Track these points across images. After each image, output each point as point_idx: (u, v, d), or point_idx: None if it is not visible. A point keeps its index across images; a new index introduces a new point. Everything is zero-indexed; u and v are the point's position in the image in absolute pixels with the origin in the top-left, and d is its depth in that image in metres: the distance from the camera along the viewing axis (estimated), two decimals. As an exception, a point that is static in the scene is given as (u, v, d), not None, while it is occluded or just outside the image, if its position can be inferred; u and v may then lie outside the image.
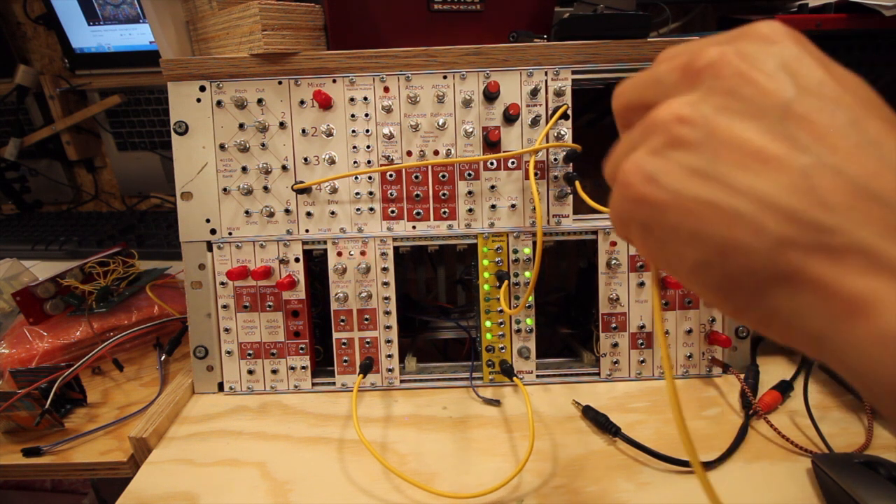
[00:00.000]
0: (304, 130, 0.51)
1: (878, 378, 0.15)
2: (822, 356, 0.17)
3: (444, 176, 0.52)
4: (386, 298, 0.53)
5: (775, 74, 0.17)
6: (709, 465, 0.42)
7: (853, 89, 0.17)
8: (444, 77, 0.51)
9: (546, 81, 0.51)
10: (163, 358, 0.58)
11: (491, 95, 0.51)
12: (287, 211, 0.52)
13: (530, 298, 0.52)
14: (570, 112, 0.51)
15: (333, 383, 0.54)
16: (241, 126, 0.52)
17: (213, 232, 0.52)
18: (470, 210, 0.52)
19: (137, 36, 0.99)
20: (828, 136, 0.16)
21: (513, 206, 0.52)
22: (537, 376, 0.53)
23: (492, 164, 0.52)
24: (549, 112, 0.52)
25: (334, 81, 0.51)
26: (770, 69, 0.17)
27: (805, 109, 0.17)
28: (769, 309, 0.17)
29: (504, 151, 0.52)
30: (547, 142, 0.51)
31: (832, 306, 0.16)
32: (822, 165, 0.16)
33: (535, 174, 0.51)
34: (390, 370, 0.53)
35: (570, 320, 0.62)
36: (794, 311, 0.17)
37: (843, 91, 0.17)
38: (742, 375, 0.51)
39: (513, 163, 0.52)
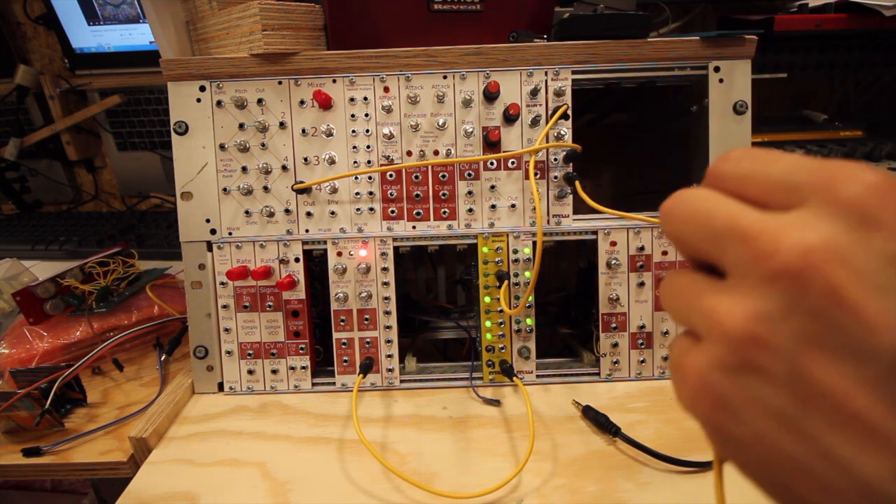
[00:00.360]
0: (304, 130, 0.51)
1: None
2: None
3: (444, 176, 0.52)
4: (386, 298, 0.53)
5: (883, 296, 0.12)
6: (709, 466, 0.42)
7: None
8: (444, 77, 0.51)
9: (546, 81, 0.51)
10: (163, 358, 0.57)
11: (491, 95, 0.51)
12: (287, 211, 0.52)
13: (530, 298, 0.52)
14: (570, 112, 0.51)
15: (333, 383, 0.54)
16: (241, 126, 0.52)
17: (213, 232, 0.52)
18: (470, 210, 0.52)
19: (137, 36, 0.99)
20: None
21: (513, 206, 0.52)
22: (537, 376, 0.53)
23: (492, 164, 0.52)
24: (549, 112, 0.52)
25: (334, 81, 0.51)
26: (875, 285, 0.12)
27: None
28: None
29: (504, 151, 0.52)
30: (547, 142, 0.51)
31: None
32: None
33: (535, 174, 0.51)
34: (390, 370, 0.53)
35: (570, 320, 0.62)
36: None
37: None
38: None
39: (513, 163, 0.52)
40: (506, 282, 0.50)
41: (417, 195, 0.52)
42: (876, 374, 0.12)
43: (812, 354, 0.13)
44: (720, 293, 0.15)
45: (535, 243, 0.52)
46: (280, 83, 0.51)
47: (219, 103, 0.51)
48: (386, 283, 0.53)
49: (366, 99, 0.51)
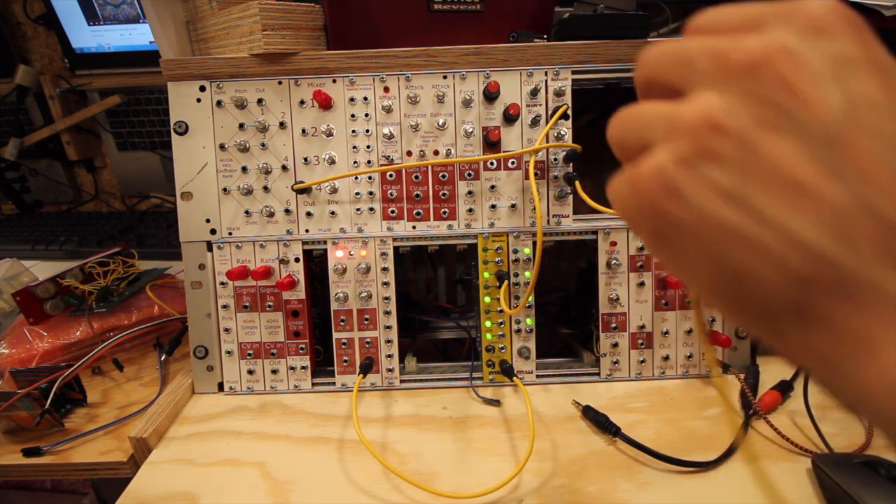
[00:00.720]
0: (304, 130, 0.51)
1: (879, 412, 0.15)
2: (825, 384, 0.17)
3: (444, 176, 0.52)
4: (386, 298, 0.53)
5: (825, 85, 0.15)
6: (709, 465, 0.42)
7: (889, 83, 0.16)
8: (444, 77, 0.51)
9: (546, 81, 0.51)
10: (163, 358, 0.58)
11: (491, 95, 0.51)
12: (287, 211, 0.52)
13: (530, 298, 0.52)
14: (570, 112, 0.51)
15: (333, 383, 0.54)
16: (241, 126, 0.52)
17: (213, 232, 0.52)
18: (470, 210, 0.52)
19: (137, 36, 0.99)
20: (872, 171, 0.15)
21: (513, 206, 0.52)
22: (537, 376, 0.53)
23: (492, 164, 0.52)
24: (549, 112, 0.52)
25: (334, 81, 0.51)
26: (819, 76, 0.15)
27: (853, 136, 0.15)
28: (779, 333, 0.17)
29: (504, 151, 0.52)
30: (547, 142, 0.51)
31: (843, 344, 0.16)
32: (861, 206, 0.15)
33: (536, 174, 0.51)
34: (390, 370, 0.53)
35: (570, 320, 0.62)
36: (805, 342, 0.17)
37: (888, 87, 0.15)
38: (742, 375, 0.51)
39: (513, 163, 0.52)
40: (506, 282, 0.50)
41: (417, 195, 0.52)
42: (815, 147, 0.15)
43: (763, 134, 0.15)
44: (680, 103, 0.17)
45: (535, 243, 0.52)
46: (280, 83, 0.51)
47: (219, 103, 0.51)
48: (386, 283, 0.53)
49: (366, 99, 0.51)
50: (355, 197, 0.52)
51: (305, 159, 0.52)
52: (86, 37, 1.00)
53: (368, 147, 0.52)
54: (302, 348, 0.53)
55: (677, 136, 0.17)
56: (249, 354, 0.53)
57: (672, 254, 0.18)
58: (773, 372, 0.53)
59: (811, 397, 0.48)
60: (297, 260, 0.53)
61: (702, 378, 0.53)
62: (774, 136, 0.15)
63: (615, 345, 0.53)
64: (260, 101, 0.51)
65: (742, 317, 0.18)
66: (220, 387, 0.54)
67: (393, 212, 0.52)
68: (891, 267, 0.15)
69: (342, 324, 0.53)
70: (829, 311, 0.16)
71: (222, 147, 0.52)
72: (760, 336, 0.18)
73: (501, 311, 0.52)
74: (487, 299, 0.53)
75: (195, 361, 0.53)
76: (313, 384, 0.54)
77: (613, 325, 0.53)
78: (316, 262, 0.55)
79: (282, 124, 0.52)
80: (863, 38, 0.16)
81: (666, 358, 0.53)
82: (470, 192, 0.52)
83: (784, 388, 0.50)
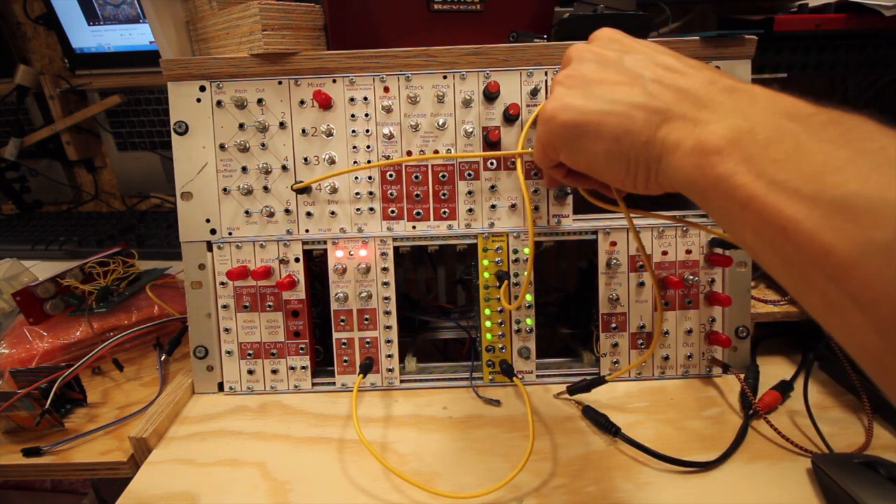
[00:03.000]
0: (304, 130, 0.51)
1: (681, 177, 0.28)
2: (664, 178, 0.30)
3: (444, 176, 0.52)
4: (386, 298, 0.53)
5: (612, 48, 0.33)
6: (709, 465, 0.42)
7: (648, 46, 0.33)
8: (444, 77, 0.51)
9: (546, 81, 0.51)
10: (163, 358, 0.58)
11: (491, 95, 0.51)
12: (287, 211, 0.52)
13: (530, 298, 0.52)
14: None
15: (333, 383, 0.54)
16: (241, 126, 0.52)
17: (213, 232, 0.52)
18: (470, 210, 0.52)
19: (137, 36, 0.99)
20: (645, 67, 0.31)
21: (513, 206, 0.52)
22: (537, 376, 0.53)
23: (492, 163, 0.52)
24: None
25: (334, 81, 0.51)
26: (608, 46, 0.34)
27: (629, 60, 0.32)
28: (651, 164, 0.30)
29: (503, 151, 0.52)
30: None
31: (668, 146, 0.28)
32: (650, 81, 0.30)
33: (534, 174, 0.51)
34: (390, 370, 0.53)
35: (570, 320, 0.62)
36: (660, 157, 0.29)
37: (643, 47, 0.33)
38: (742, 375, 0.51)
39: (513, 163, 0.52)
40: (506, 282, 0.50)
41: (417, 195, 0.52)
42: (616, 68, 0.32)
43: (594, 70, 0.33)
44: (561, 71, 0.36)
45: (536, 243, 0.52)
46: (280, 83, 0.51)
47: (219, 103, 0.51)
48: (386, 283, 0.53)
49: (366, 99, 0.51)
50: (355, 197, 0.52)
51: (305, 159, 0.52)
52: (86, 37, 1.00)
53: (368, 147, 0.52)
54: (302, 348, 0.53)
55: (555, 88, 0.34)
56: (249, 354, 0.53)
57: (578, 148, 0.32)
58: (773, 372, 0.53)
59: (811, 397, 0.48)
60: (297, 260, 0.53)
61: (702, 378, 0.53)
62: (600, 70, 0.32)
63: (615, 345, 0.53)
64: (260, 101, 0.51)
65: (631, 168, 0.31)
66: (220, 387, 0.54)
67: (393, 212, 0.52)
68: (682, 103, 0.28)
69: (342, 324, 0.53)
70: (663, 133, 0.28)
71: (222, 147, 0.52)
72: (643, 180, 0.31)
73: (502, 310, 0.52)
74: (487, 299, 0.53)
75: (195, 361, 0.53)
76: (313, 384, 0.54)
77: (613, 325, 0.53)
78: (316, 262, 0.55)
79: (282, 124, 0.52)
80: (621, 34, 0.35)
81: (666, 358, 0.53)
82: (470, 192, 0.52)
83: (784, 389, 0.50)
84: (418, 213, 0.52)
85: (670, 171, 0.28)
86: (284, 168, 0.52)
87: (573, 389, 0.50)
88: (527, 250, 0.52)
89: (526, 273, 0.48)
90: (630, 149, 0.30)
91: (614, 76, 0.31)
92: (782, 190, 0.22)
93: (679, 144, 0.27)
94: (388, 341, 0.53)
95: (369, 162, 0.52)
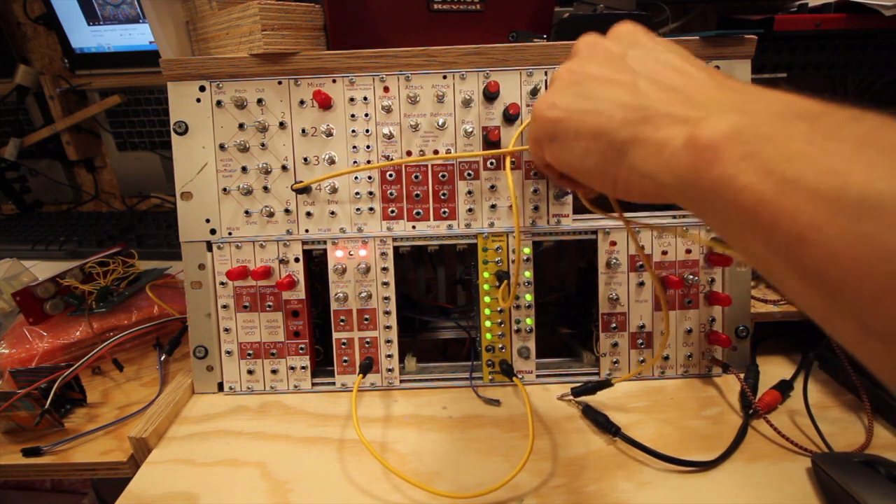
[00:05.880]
0: (303, 130, 0.51)
1: (669, 180, 0.25)
2: (647, 175, 0.27)
3: (443, 176, 0.52)
4: (386, 298, 0.53)
5: (621, 44, 0.31)
6: (709, 465, 0.42)
7: (659, 43, 0.31)
8: (444, 77, 0.51)
9: (546, 81, 0.51)
10: (163, 358, 0.58)
11: (491, 95, 0.51)
12: (287, 211, 0.52)
13: (529, 298, 0.52)
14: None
15: (333, 383, 0.54)
16: (241, 126, 0.52)
17: (213, 232, 0.52)
18: (470, 210, 0.52)
19: (137, 36, 0.99)
20: (644, 64, 0.29)
21: (512, 205, 0.52)
22: (537, 376, 0.53)
23: (491, 163, 0.52)
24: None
25: (334, 81, 0.51)
26: (618, 41, 0.31)
27: (631, 56, 0.30)
28: (628, 165, 0.27)
29: (498, 150, 0.51)
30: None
31: (651, 146, 0.26)
32: (643, 78, 0.28)
33: (533, 174, 0.51)
34: (390, 370, 0.53)
35: (570, 320, 0.62)
36: (640, 158, 0.26)
37: (652, 44, 0.31)
38: (742, 375, 0.51)
39: (512, 162, 0.52)
40: (505, 282, 0.50)
41: (417, 195, 0.52)
42: (614, 65, 0.30)
43: (590, 66, 0.31)
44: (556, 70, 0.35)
45: (536, 243, 0.52)
46: (280, 83, 0.51)
47: (219, 103, 0.51)
48: (386, 283, 0.53)
49: (365, 99, 0.51)
50: (355, 197, 0.52)
51: (305, 159, 0.52)
52: (86, 37, 1.00)
53: (368, 147, 0.52)
54: (302, 348, 0.53)
55: (552, 84, 0.33)
56: (249, 354, 0.53)
57: (561, 145, 0.31)
58: (773, 372, 0.53)
59: (811, 397, 0.48)
60: (296, 260, 0.53)
61: (702, 378, 0.53)
62: (595, 65, 0.31)
63: (615, 345, 0.53)
64: (260, 101, 0.51)
65: (609, 167, 0.28)
66: (220, 387, 0.54)
67: (393, 212, 0.52)
68: (667, 103, 0.26)
69: (342, 324, 0.53)
70: (644, 133, 0.26)
71: (222, 147, 0.52)
72: (622, 182, 0.28)
73: (501, 310, 0.52)
74: (487, 299, 0.53)
75: (195, 361, 0.53)
76: (313, 384, 0.54)
77: (613, 325, 0.53)
78: (316, 262, 0.55)
79: (282, 124, 0.52)
80: (636, 26, 0.32)
81: (666, 358, 0.53)
82: (470, 192, 0.52)
83: (784, 388, 0.50)
84: (418, 213, 0.52)
85: (654, 173, 0.25)
86: (284, 168, 0.52)
87: (578, 392, 0.49)
88: (527, 250, 0.52)
89: (529, 276, 0.48)
90: (607, 148, 0.28)
91: (612, 73, 0.29)
92: (795, 190, 0.18)
93: (667, 143, 0.24)
94: (388, 341, 0.53)
95: (369, 162, 0.52)
